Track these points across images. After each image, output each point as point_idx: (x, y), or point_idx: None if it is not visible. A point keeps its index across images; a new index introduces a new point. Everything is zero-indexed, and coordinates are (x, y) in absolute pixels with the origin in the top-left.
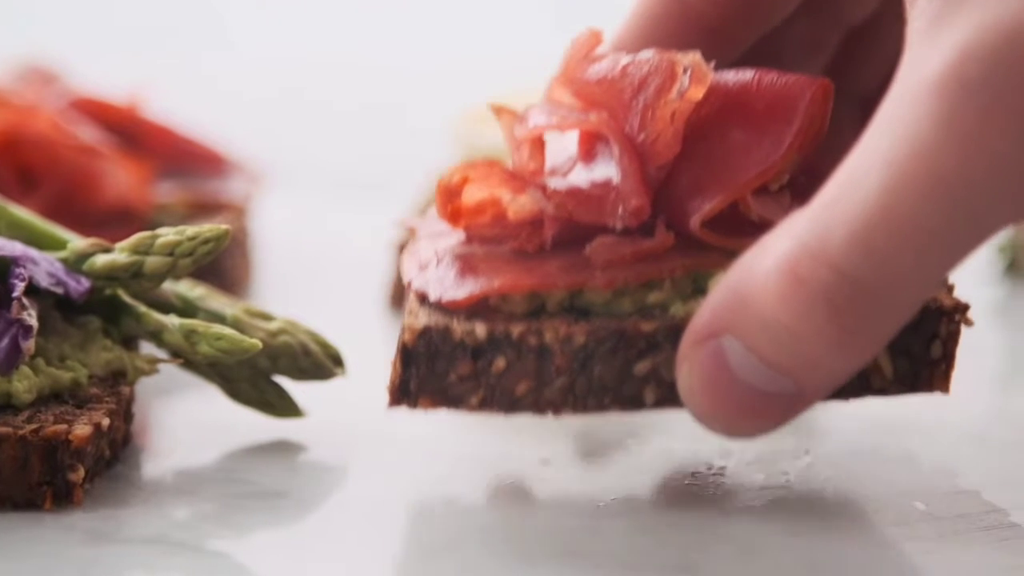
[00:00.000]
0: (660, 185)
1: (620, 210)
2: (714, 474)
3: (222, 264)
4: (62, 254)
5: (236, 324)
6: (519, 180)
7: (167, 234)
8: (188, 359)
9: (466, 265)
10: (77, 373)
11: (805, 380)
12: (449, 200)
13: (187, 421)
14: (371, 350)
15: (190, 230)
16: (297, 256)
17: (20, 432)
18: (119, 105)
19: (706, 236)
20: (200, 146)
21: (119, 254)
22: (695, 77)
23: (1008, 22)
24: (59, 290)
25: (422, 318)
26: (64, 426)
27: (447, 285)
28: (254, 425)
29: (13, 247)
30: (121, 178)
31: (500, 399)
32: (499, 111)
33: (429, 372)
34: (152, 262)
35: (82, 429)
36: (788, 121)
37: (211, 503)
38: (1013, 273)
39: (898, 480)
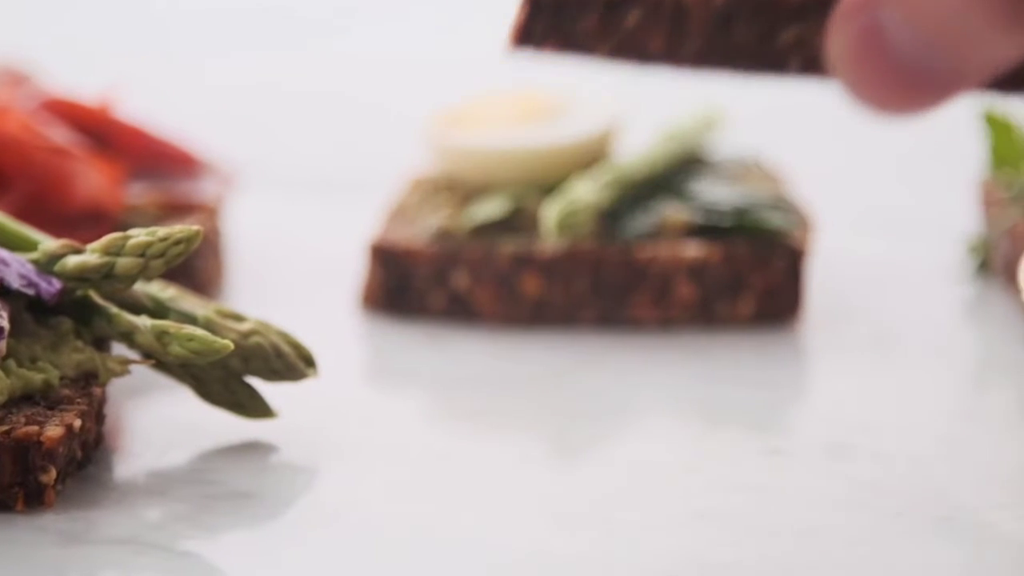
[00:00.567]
0: None
1: None
2: (688, 473)
3: (194, 265)
4: (33, 255)
5: (208, 325)
6: None
7: (139, 235)
8: (160, 360)
9: None
10: (48, 375)
11: (966, 57)
12: None
13: (159, 422)
14: (343, 351)
15: (162, 231)
16: (269, 257)
17: None
18: (91, 106)
19: None
20: (172, 147)
21: (90, 255)
22: None
23: None
24: (30, 291)
25: None
26: (36, 427)
27: None
28: (226, 426)
29: None
30: (93, 179)
31: (631, 53)
32: None
33: (556, 16)
34: (124, 263)
35: (54, 430)
36: None
37: (183, 504)
38: (984, 273)
39: (869, 479)
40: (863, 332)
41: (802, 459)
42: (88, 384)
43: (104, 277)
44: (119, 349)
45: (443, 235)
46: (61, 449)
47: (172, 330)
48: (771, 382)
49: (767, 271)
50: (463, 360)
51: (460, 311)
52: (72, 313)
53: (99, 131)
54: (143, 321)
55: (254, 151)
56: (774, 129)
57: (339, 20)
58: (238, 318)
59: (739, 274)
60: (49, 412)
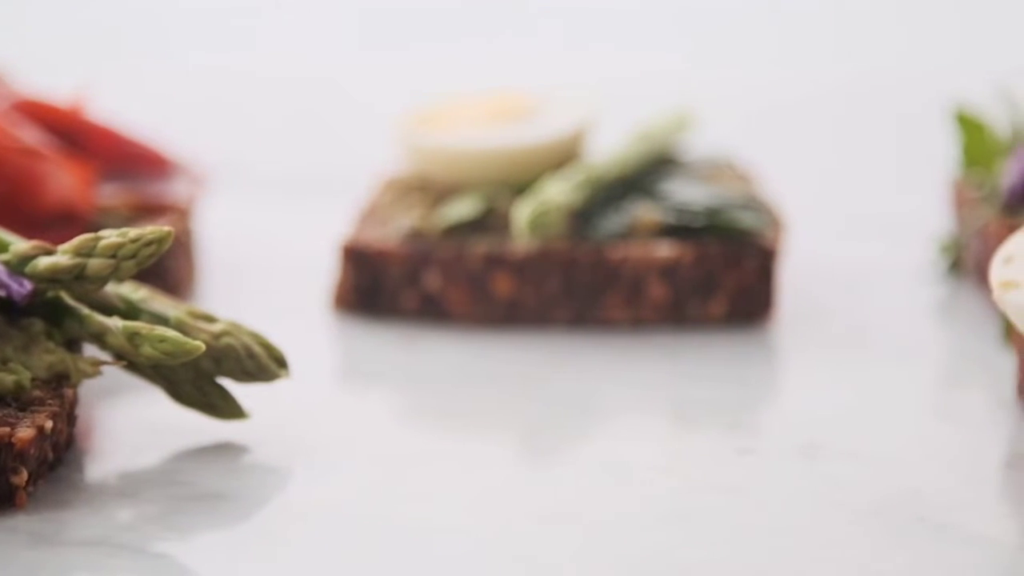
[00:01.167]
0: None
1: None
2: (659, 474)
3: (166, 266)
4: (4, 256)
5: (179, 326)
6: None
7: (110, 236)
8: (131, 361)
9: None
10: (20, 376)
11: None
12: None
13: (130, 423)
14: (315, 352)
15: (133, 232)
16: (241, 258)
17: None
18: (62, 107)
19: None
20: (144, 148)
21: (62, 256)
22: None
23: None
24: (1, 293)
25: None
26: (7, 429)
27: None
28: (197, 427)
29: None
30: (64, 180)
31: None
32: None
33: None
34: (95, 264)
35: (25, 432)
36: None
37: (154, 505)
38: (956, 272)
39: (841, 478)
40: (835, 331)
41: (774, 458)
42: (60, 385)
43: (76, 278)
44: (91, 350)
45: (415, 235)
46: (32, 450)
47: (144, 331)
48: (743, 382)
49: (739, 271)
50: (435, 360)
51: (432, 311)
52: (43, 314)
53: (71, 132)
54: (115, 322)
55: (226, 152)
56: (746, 129)
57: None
58: (210, 319)
59: (711, 274)
60: (20, 413)
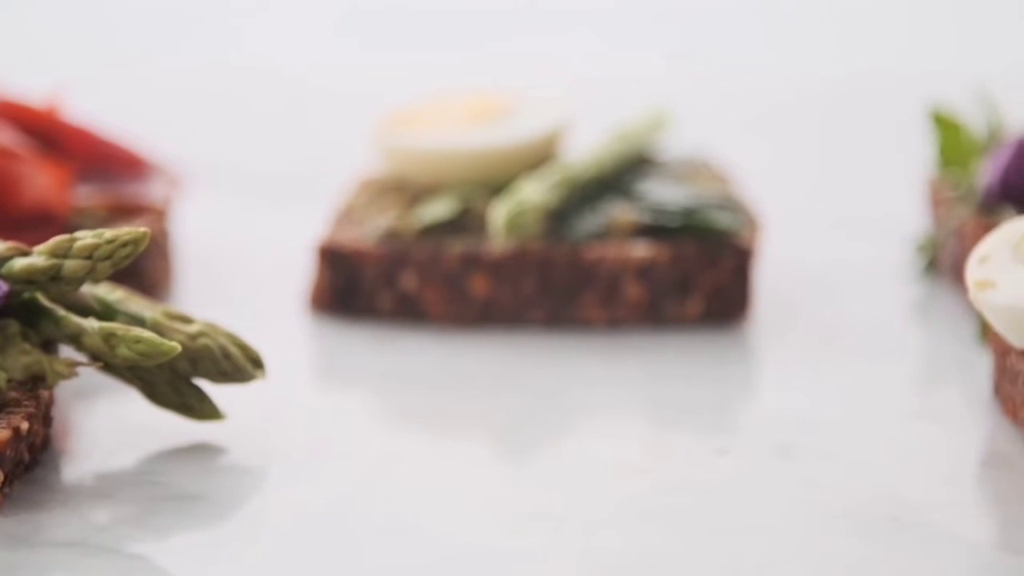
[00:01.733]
0: None
1: None
2: (636, 474)
3: (142, 267)
4: None
5: (155, 327)
6: None
7: (85, 237)
8: (107, 362)
9: None
10: None
11: None
12: None
13: (106, 424)
14: (291, 352)
15: (108, 233)
16: (217, 259)
17: None
18: (38, 108)
19: None
20: (120, 149)
21: (37, 257)
22: None
23: None
24: None
25: None
26: None
27: None
28: (174, 428)
29: None
30: (40, 181)
31: None
32: None
33: None
34: (70, 265)
35: (0, 433)
36: None
37: (130, 506)
38: (932, 272)
39: (817, 478)
40: (811, 331)
41: (751, 458)
42: (35, 386)
43: (51, 279)
44: (67, 351)
45: (391, 236)
46: (8, 452)
47: (120, 332)
48: (719, 382)
49: (715, 271)
50: (412, 361)
51: (408, 312)
52: (19, 315)
53: (46, 133)
54: (91, 323)
55: (201, 152)
56: (722, 129)
57: (289, 21)
58: (186, 320)
59: (687, 274)
60: None
